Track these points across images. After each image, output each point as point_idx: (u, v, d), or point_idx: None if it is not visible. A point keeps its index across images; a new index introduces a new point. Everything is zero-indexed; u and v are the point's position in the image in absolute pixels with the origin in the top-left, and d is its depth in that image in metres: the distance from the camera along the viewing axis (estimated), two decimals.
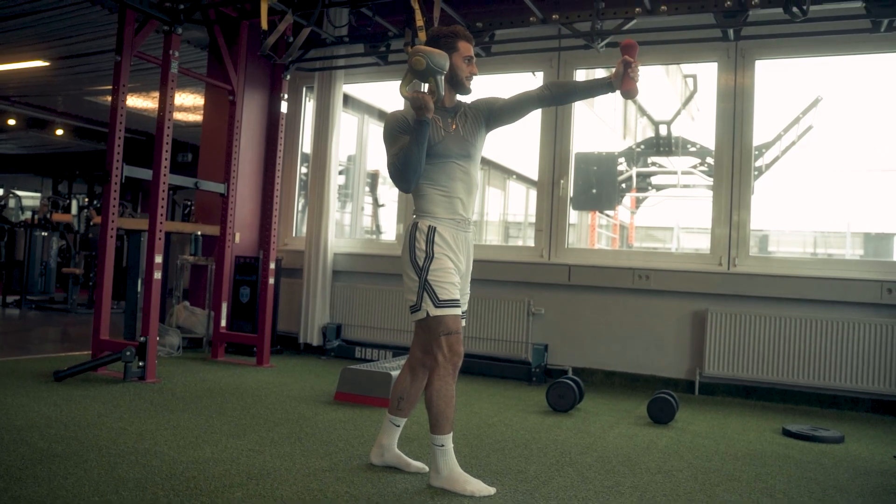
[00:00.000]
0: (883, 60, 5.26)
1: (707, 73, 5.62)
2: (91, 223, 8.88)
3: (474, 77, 2.72)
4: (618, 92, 2.57)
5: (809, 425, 4.02)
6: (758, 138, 5.27)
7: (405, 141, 2.60)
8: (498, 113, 2.75)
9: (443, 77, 2.57)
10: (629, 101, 15.04)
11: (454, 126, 2.70)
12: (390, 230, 8.48)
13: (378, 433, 2.96)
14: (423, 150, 2.58)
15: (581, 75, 5.86)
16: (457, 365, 2.61)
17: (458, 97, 2.79)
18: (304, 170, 6.77)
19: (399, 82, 2.64)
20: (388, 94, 7.35)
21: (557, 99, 2.75)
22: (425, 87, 2.68)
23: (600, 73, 11.61)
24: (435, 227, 2.64)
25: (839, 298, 4.72)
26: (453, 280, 2.63)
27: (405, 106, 2.76)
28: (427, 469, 2.79)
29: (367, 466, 2.86)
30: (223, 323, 5.50)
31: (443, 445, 2.61)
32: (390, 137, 2.66)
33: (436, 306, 2.59)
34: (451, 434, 2.63)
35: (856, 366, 4.63)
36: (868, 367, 4.61)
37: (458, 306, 2.62)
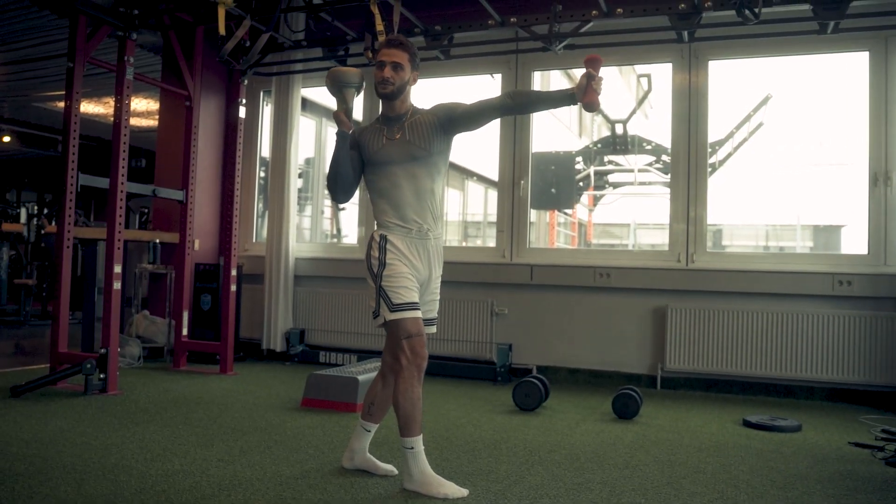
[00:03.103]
0: (829, 60, 5.43)
1: (661, 72, 5.73)
2: (43, 232, 8.66)
3: (388, 80, 2.69)
4: (579, 104, 2.59)
5: (768, 415, 4.13)
6: (711, 136, 5.38)
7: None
8: (458, 119, 2.73)
9: (352, 90, 2.69)
10: None
11: (399, 133, 2.73)
12: (351, 234, 8.45)
13: (350, 438, 2.97)
14: (341, 160, 2.70)
15: (538, 77, 5.93)
16: (421, 367, 2.62)
17: (413, 104, 2.81)
18: (262, 174, 6.71)
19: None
20: None
21: (519, 108, 2.77)
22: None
23: (557, 75, 11.75)
24: (386, 236, 2.69)
25: (793, 291, 4.86)
26: (408, 284, 2.64)
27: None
28: (396, 472, 2.82)
29: (339, 472, 2.86)
30: (184, 331, 5.43)
31: (412, 448, 2.62)
32: None
33: (391, 310, 2.61)
34: (421, 436, 2.64)
35: (810, 356, 4.77)
36: (822, 357, 4.75)
37: (416, 309, 2.64)
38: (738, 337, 4.93)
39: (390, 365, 2.81)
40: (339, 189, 2.75)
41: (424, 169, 2.73)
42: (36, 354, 6.08)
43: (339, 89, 2.68)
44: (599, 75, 2.54)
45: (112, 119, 4.58)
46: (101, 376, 4.33)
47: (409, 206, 2.70)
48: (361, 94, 2.79)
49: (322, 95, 7.41)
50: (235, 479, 2.72)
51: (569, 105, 2.65)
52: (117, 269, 4.46)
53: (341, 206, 9.03)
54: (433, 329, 2.82)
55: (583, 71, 2.58)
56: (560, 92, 2.66)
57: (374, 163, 2.74)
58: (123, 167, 4.50)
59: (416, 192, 2.71)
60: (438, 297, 2.85)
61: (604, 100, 2.58)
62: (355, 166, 2.76)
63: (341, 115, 2.70)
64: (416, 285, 2.69)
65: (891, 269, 4.71)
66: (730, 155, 9.09)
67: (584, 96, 2.54)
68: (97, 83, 7.88)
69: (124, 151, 4.51)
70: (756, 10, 4.04)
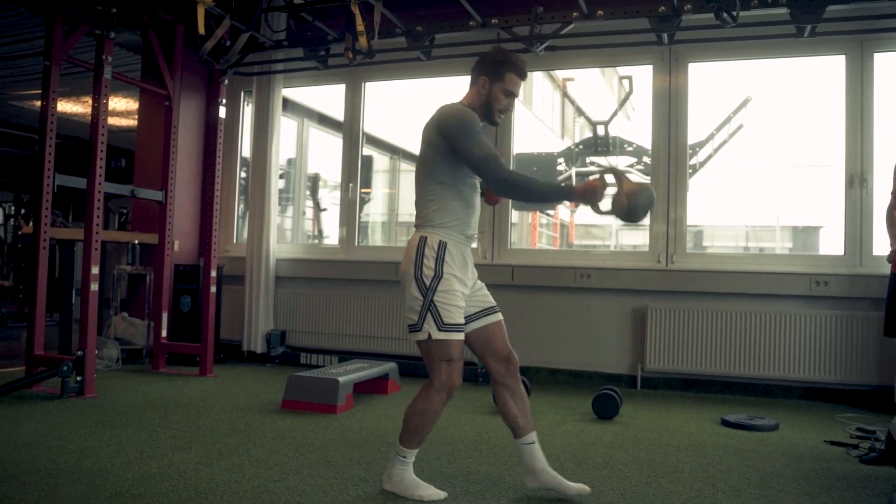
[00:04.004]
0: (806, 63, 5.49)
1: (642, 74, 5.77)
2: (20, 233, 8.57)
3: (507, 112, 2.67)
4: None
5: (746, 414, 4.16)
6: (692, 137, 5.43)
7: (485, 141, 2.53)
8: None
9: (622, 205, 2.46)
10: (566, 101, 15.31)
11: None
12: (332, 234, 8.42)
13: (523, 461, 2.71)
14: (545, 199, 2.66)
15: None
16: (451, 394, 2.55)
17: None
18: (243, 175, 6.67)
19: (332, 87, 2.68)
20: (328, 98, 7.29)
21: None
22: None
23: (539, 76, 11.77)
24: (446, 244, 2.54)
25: (772, 291, 4.90)
26: (460, 304, 2.55)
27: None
28: (588, 490, 2.63)
29: (318, 474, 2.84)
30: (164, 333, 5.38)
31: (405, 458, 2.60)
32: (469, 133, 2.51)
33: (439, 329, 2.49)
34: (417, 450, 2.62)
35: (788, 356, 4.82)
36: (799, 357, 4.80)
37: (462, 331, 2.54)
38: (717, 337, 4.96)
39: (496, 368, 2.68)
40: (518, 199, 2.69)
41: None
42: (12, 357, 6.00)
43: (645, 211, 2.49)
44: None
45: (90, 118, 4.53)
46: (78, 379, 4.28)
47: (475, 216, 2.66)
48: None
49: (303, 95, 7.37)
50: (213, 482, 2.70)
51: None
52: (95, 270, 4.41)
53: (322, 207, 9.00)
54: (500, 317, 2.72)
55: (565, 72, 2.60)
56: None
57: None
58: (101, 167, 4.46)
59: (478, 206, 2.70)
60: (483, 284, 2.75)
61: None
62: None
63: (600, 198, 2.46)
64: (465, 303, 2.59)
65: (866, 270, 4.77)
66: (710, 156, 9.14)
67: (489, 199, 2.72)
68: (75, 82, 7.80)
69: (102, 151, 4.47)
70: (734, 14, 4.08)
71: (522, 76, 2.64)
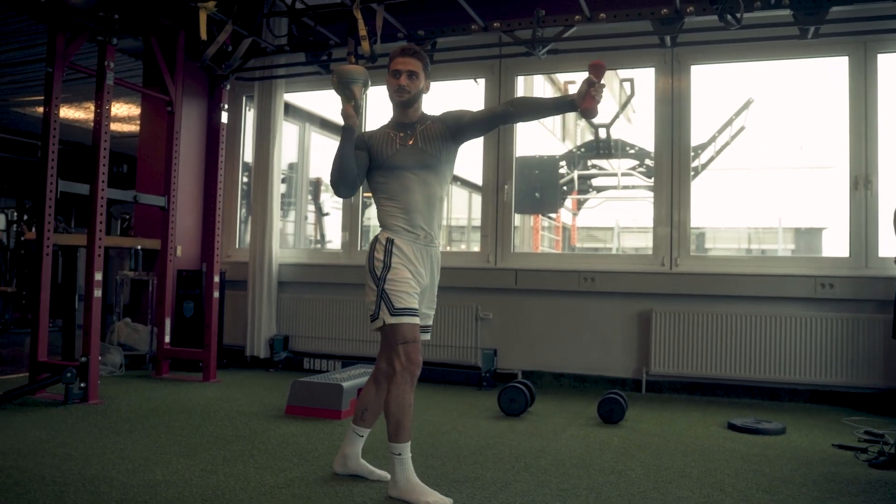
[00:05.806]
0: (809, 65, 5.48)
1: (643, 76, 5.76)
2: (22, 239, 8.57)
3: (404, 88, 2.71)
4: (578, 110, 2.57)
5: (753, 418, 4.14)
6: (694, 139, 5.41)
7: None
8: (466, 126, 2.77)
9: (360, 85, 2.73)
10: None
11: (412, 140, 2.73)
12: (335, 239, 8.41)
13: (342, 443, 2.95)
14: (346, 154, 2.69)
15: (521, 82, 5.94)
16: (414, 374, 2.62)
17: (424, 111, 2.82)
18: (245, 179, 6.67)
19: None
20: (330, 103, 7.29)
21: (522, 116, 2.76)
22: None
23: (540, 80, 11.79)
24: (393, 240, 2.67)
25: (777, 294, 4.88)
26: (410, 290, 2.63)
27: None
28: (390, 477, 2.78)
29: (323, 480, 2.83)
30: (167, 339, 5.37)
31: (400, 454, 2.61)
32: None
33: (391, 314, 2.60)
34: (409, 443, 2.63)
35: (794, 359, 4.80)
36: (805, 360, 4.78)
37: (416, 315, 2.63)
38: (722, 340, 4.95)
39: (385, 371, 2.79)
40: (343, 183, 2.72)
41: (434, 176, 2.75)
42: (15, 363, 5.99)
43: (347, 85, 2.72)
44: (601, 82, 2.52)
45: (92, 124, 4.53)
46: (82, 385, 4.27)
47: (419, 211, 2.70)
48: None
49: (305, 100, 7.38)
50: (219, 489, 2.68)
51: (569, 111, 2.65)
52: (98, 276, 4.40)
53: (325, 211, 9.00)
54: (427, 336, 2.81)
55: (567, 76, 2.59)
56: (561, 98, 2.65)
57: (386, 167, 2.72)
58: (104, 173, 4.45)
59: (426, 199, 2.72)
60: (435, 306, 2.85)
61: (602, 107, 2.56)
62: (360, 165, 2.74)
63: (349, 109, 2.71)
64: (418, 291, 2.68)
65: (871, 272, 4.75)
66: (712, 158, 9.13)
67: (583, 102, 2.50)
68: (78, 88, 7.79)
69: (105, 157, 4.46)
70: (738, 16, 4.07)
71: (400, 54, 2.74)
